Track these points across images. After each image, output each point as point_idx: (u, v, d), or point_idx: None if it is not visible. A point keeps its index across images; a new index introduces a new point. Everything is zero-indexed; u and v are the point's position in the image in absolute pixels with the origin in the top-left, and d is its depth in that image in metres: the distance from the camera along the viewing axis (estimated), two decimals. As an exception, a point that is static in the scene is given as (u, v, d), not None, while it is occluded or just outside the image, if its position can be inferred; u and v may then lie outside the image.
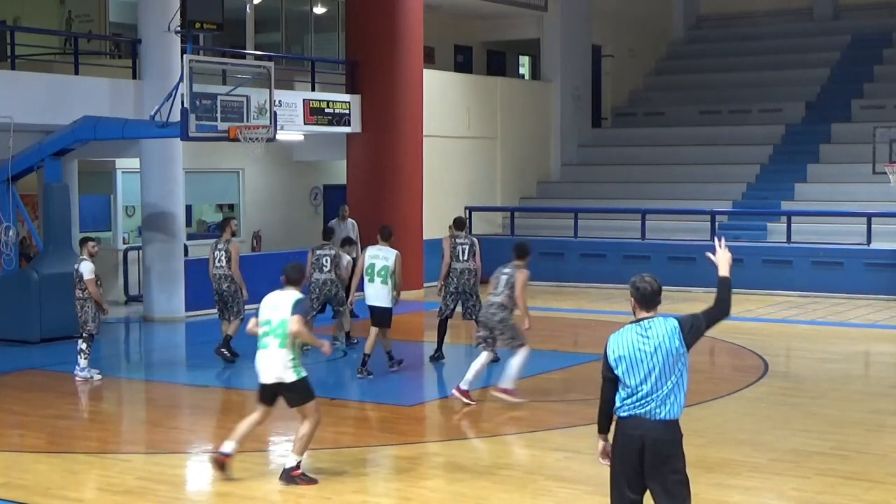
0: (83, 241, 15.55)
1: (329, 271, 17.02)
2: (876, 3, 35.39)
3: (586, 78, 32.66)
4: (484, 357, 13.75)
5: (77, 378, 15.16)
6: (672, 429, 7.06)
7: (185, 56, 17.37)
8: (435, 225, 26.31)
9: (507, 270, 13.67)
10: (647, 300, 7.17)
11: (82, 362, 15.17)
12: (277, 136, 19.65)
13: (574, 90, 31.95)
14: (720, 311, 7.22)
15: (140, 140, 20.32)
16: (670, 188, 28.95)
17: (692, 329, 7.10)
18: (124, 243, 23.71)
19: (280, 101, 21.22)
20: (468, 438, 12.10)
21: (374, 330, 15.31)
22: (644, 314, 7.17)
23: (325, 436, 12.35)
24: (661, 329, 7.08)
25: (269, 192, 26.79)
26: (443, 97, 27.34)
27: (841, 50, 34.04)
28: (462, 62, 32.27)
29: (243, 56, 23.45)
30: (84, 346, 15.14)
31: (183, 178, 21.42)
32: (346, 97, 24.36)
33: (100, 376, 15.25)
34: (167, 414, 13.81)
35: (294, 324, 10.09)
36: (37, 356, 17.25)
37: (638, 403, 7.04)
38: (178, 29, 18.00)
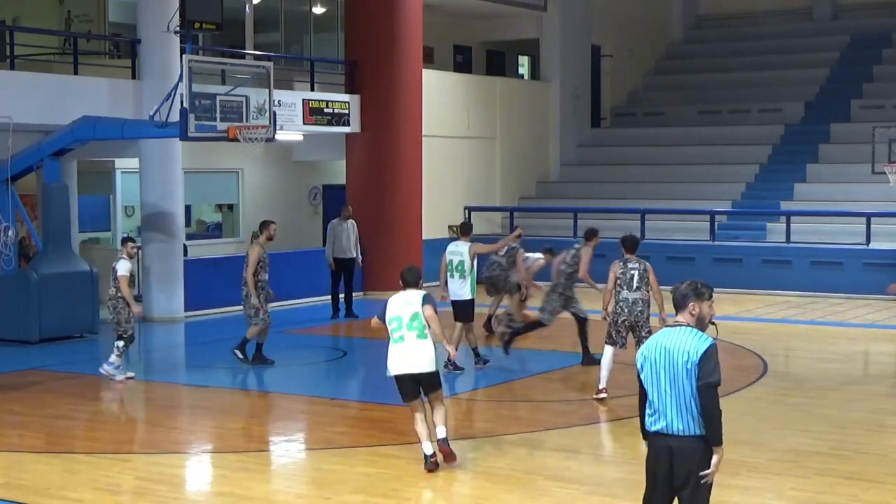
0: (124, 241, 15.75)
1: None
2: (875, 3, 35.41)
3: (585, 78, 32.67)
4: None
5: (101, 371, 15.17)
6: None
7: (184, 56, 17.35)
8: (434, 225, 26.34)
9: (632, 265, 13.74)
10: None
11: (114, 359, 15.15)
12: (277, 136, 19.63)
13: (573, 90, 31.96)
14: (717, 393, 7.05)
15: (139, 140, 20.31)
16: (669, 188, 28.95)
17: (702, 365, 6.95)
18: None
19: (279, 101, 21.21)
20: (467, 439, 12.09)
21: (457, 325, 15.60)
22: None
23: (324, 436, 12.37)
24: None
25: (268, 192, 26.79)
26: (442, 97, 27.34)
27: (840, 50, 34.05)
28: (461, 62, 32.28)
29: (242, 56, 23.44)
30: (120, 343, 15.14)
31: (182, 178, 21.42)
32: (346, 97, 24.36)
33: (130, 377, 15.19)
34: (167, 414, 13.81)
35: (430, 309, 10.68)
36: (36, 356, 17.25)
37: None
38: (178, 29, 17.99)
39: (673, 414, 6.94)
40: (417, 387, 10.77)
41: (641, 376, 7.08)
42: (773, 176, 28.83)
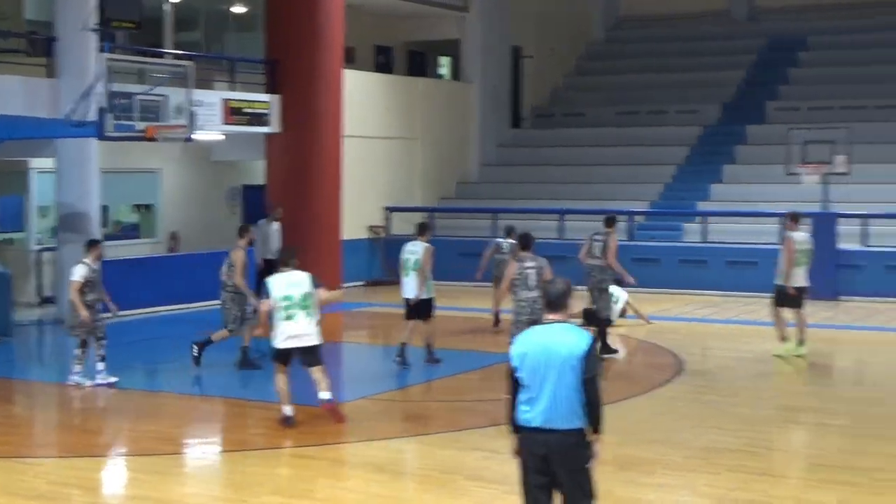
0: (92, 244, 15.17)
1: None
2: (792, 7, 35.96)
3: (506, 78, 32.82)
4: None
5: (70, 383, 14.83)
6: None
7: (101, 54, 17.18)
8: (354, 225, 26.33)
9: (528, 264, 14.03)
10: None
11: (76, 367, 14.86)
12: (196, 136, 19.52)
13: (494, 90, 32.08)
14: (597, 385, 7.20)
15: (55, 140, 20.06)
16: (588, 188, 29.17)
17: (586, 361, 7.15)
18: (38, 244, 23.40)
19: (199, 101, 21.05)
20: (387, 439, 12.11)
21: (408, 324, 16.07)
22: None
23: (241, 437, 12.32)
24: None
25: (187, 192, 26.57)
26: (363, 97, 27.31)
27: (757, 52, 34.52)
28: (382, 62, 32.26)
29: (161, 55, 23.22)
30: (77, 350, 14.88)
31: (99, 178, 21.18)
32: (266, 97, 24.24)
33: (89, 384, 14.82)
34: (81, 417, 13.66)
35: (322, 293, 12.51)
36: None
37: None
38: (95, 27, 17.81)
39: (554, 408, 7.10)
40: (292, 356, 12.37)
41: (518, 374, 7.20)
42: (690, 176, 29.16)
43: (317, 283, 12.40)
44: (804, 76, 32.79)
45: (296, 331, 12.25)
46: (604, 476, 10.44)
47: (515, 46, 33.60)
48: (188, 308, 22.22)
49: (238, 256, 16.04)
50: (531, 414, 7.16)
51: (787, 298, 17.00)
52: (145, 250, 25.08)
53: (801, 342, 17.09)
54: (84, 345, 14.93)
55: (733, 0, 37.06)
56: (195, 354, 15.94)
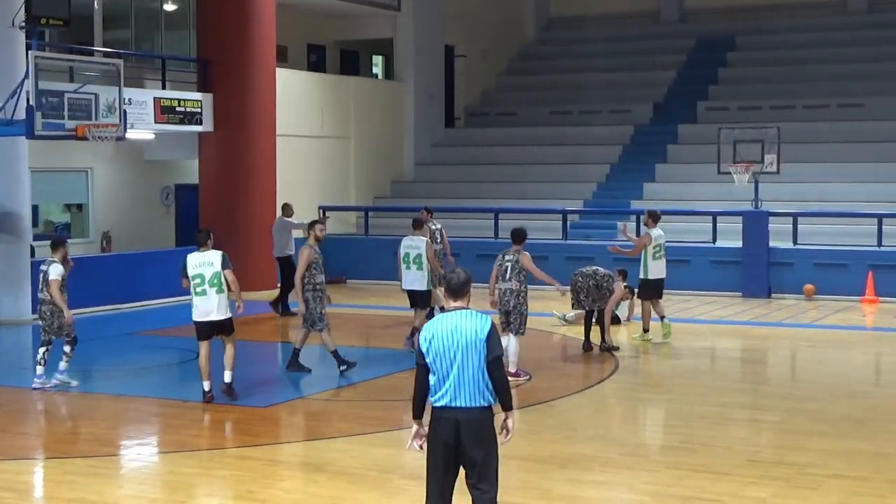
0: (57, 244, 14.77)
1: None
2: (720, 8, 36.34)
3: (439, 78, 32.85)
4: (513, 339, 14.90)
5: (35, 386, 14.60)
6: None
7: (30, 52, 16.98)
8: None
9: (508, 257, 15.09)
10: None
11: (39, 370, 14.60)
12: (127, 135, 19.33)
13: (427, 90, 32.10)
14: (501, 365, 7.58)
15: (-17, 138, 19.76)
16: (523, 187, 29.28)
17: (489, 340, 7.52)
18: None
19: (130, 100, 20.88)
20: (324, 439, 12.07)
21: (416, 310, 17.21)
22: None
23: (178, 438, 12.21)
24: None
25: (119, 191, 26.31)
26: (296, 96, 27.21)
27: (687, 53, 34.85)
28: (315, 61, 32.16)
29: (91, 53, 22.99)
30: (42, 350, 14.61)
31: (29, 177, 20.91)
32: (198, 96, 24.07)
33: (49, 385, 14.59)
34: (13, 419, 13.44)
35: (230, 273, 13.45)
36: None
37: None
38: (23, 24, 17.58)
39: (462, 388, 7.50)
40: (213, 331, 13.49)
41: (427, 359, 7.60)
42: (624, 175, 29.38)
43: (228, 264, 13.45)
44: (733, 76, 33.17)
45: (208, 306, 13.39)
46: (542, 474, 10.54)
47: (448, 46, 33.66)
48: (121, 308, 22.00)
49: (303, 254, 15.18)
50: (439, 393, 7.57)
51: (650, 290, 18.19)
52: (78, 250, 24.73)
53: (645, 329, 18.35)
54: (48, 345, 14.65)
55: (663, 1, 37.36)
56: (344, 367, 15.41)
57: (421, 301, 17.13)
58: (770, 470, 10.67)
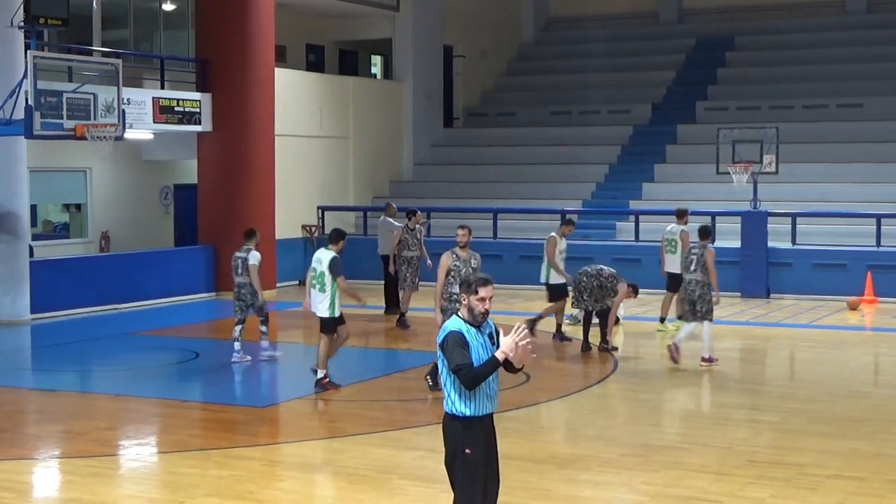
0: (251, 233, 16.51)
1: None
2: (719, 8, 36.34)
3: (438, 78, 32.83)
4: (694, 326, 15.96)
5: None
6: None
7: (28, 52, 16.95)
8: (287, 225, 26.19)
9: (695, 251, 16.18)
10: None
11: (236, 345, 16.22)
12: (126, 135, 19.31)
13: (426, 90, 32.09)
14: (462, 377, 7.12)
15: (-18, 138, 19.74)
16: (521, 188, 29.28)
17: (442, 352, 7.26)
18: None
19: (128, 99, 20.86)
20: (323, 439, 12.07)
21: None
22: None
23: (177, 438, 12.20)
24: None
25: (117, 191, 26.28)
26: (295, 96, 27.20)
27: (686, 53, 34.85)
28: (314, 61, 32.14)
29: (90, 53, 22.97)
30: (239, 328, 16.24)
31: (27, 177, 20.90)
32: (197, 95, 24.05)
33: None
34: (13, 419, 13.43)
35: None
36: None
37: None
38: (22, 24, 17.55)
39: (443, 393, 7.34)
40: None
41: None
42: (622, 176, 29.37)
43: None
44: (732, 76, 33.16)
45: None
46: (541, 474, 10.53)
47: (447, 46, 33.65)
48: (119, 308, 21.99)
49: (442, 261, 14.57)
50: None
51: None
52: (76, 250, 24.79)
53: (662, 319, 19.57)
54: (242, 323, 16.40)
55: (661, 1, 37.36)
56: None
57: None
58: (769, 470, 10.67)
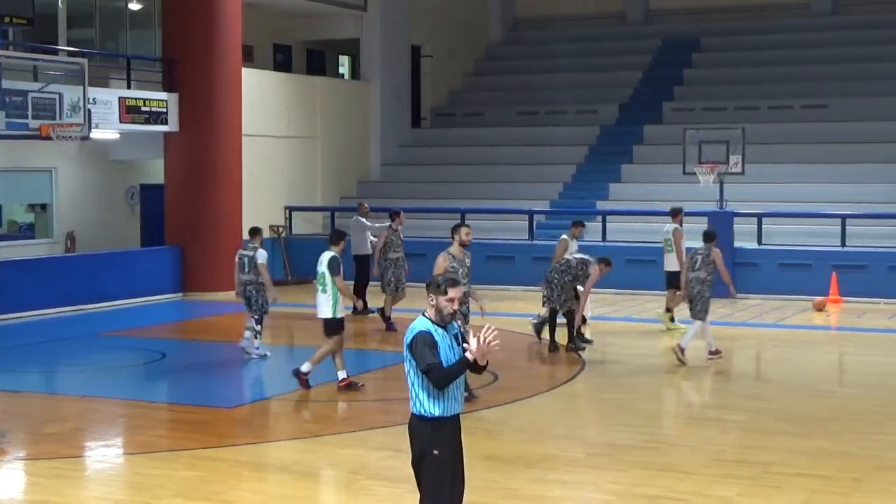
0: (255, 231, 17.02)
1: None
2: (685, 9, 36.49)
3: (406, 78, 32.81)
4: (699, 326, 16.55)
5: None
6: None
7: (-7, 51, 16.83)
8: (254, 224, 26.04)
9: (701, 251, 16.62)
10: None
11: (256, 342, 16.48)
12: (92, 135, 19.22)
13: (394, 90, 32.06)
14: (432, 377, 7.11)
15: (-54, 138, 19.60)
16: (489, 188, 29.30)
17: (411, 353, 7.20)
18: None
19: (94, 99, 20.76)
20: (290, 439, 12.04)
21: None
22: None
23: (143, 439, 12.15)
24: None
25: (83, 191, 26.13)
26: (262, 96, 27.13)
27: (652, 53, 34.95)
28: (281, 61, 32.07)
29: (55, 52, 22.84)
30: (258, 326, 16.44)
31: (-8, 177, 20.77)
32: (164, 95, 23.95)
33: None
34: (-23, 421, 13.34)
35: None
36: None
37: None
38: (-13, 23, 17.45)
39: (409, 394, 7.30)
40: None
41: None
42: (589, 176, 29.45)
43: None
44: (699, 77, 33.29)
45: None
46: (509, 474, 10.55)
47: (415, 46, 33.64)
48: (86, 309, 21.87)
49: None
50: None
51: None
52: (42, 251, 24.62)
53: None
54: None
55: (628, 2, 37.47)
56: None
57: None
58: (735, 469, 10.73)
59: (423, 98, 34.86)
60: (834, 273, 22.93)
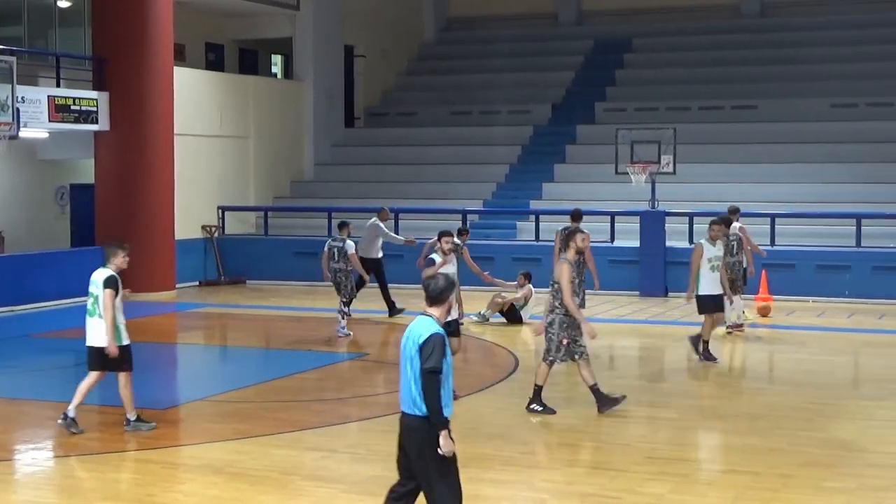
0: (343, 225, 18.68)
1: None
2: (617, 10, 36.75)
3: (339, 77, 32.76)
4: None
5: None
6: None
7: (-81, 49, 16.57)
8: (187, 225, 25.93)
9: (733, 237, 18.00)
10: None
11: (343, 321, 18.39)
12: (20, 134, 19.01)
13: (327, 90, 32.00)
14: (430, 381, 7.28)
15: None
16: (423, 187, 29.33)
17: (420, 351, 7.34)
18: None
19: (23, 98, 20.56)
20: (224, 441, 11.98)
21: None
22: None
23: (74, 442, 12.03)
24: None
25: (12, 191, 25.84)
26: (194, 95, 26.95)
27: (585, 54, 35.17)
28: (213, 60, 31.89)
29: (-17, 50, 22.54)
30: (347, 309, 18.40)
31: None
32: (94, 94, 23.72)
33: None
34: None
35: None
36: None
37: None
38: (-88, 20, 17.18)
39: (405, 394, 7.43)
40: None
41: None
42: (523, 176, 29.58)
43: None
44: (630, 77, 33.55)
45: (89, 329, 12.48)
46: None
47: (348, 46, 33.60)
48: (15, 310, 21.61)
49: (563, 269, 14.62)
50: (400, 396, 7.55)
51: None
52: (-32, 251, 24.31)
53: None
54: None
55: (560, 3, 37.66)
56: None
57: None
58: (667, 466, 10.84)
59: (356, 98, 34.82)
60: (763, 272, 23.18)
